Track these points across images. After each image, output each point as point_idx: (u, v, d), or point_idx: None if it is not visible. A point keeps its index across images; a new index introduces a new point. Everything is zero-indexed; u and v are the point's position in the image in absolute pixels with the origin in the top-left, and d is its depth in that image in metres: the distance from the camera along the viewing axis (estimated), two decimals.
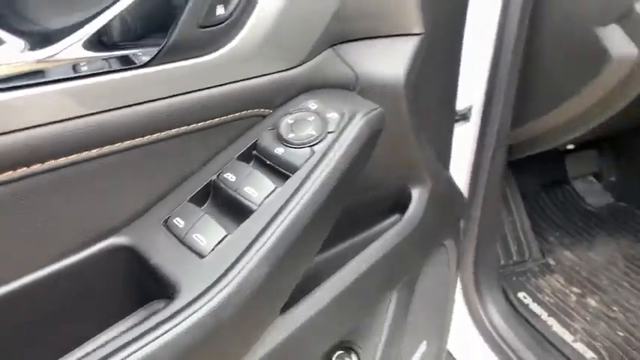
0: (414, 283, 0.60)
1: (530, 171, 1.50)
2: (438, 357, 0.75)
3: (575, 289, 1.19)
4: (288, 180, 0.33)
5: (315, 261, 0.48)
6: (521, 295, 1.14)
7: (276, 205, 0.31)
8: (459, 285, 1.02)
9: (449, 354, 1.03)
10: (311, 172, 0.32)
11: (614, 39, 0.64)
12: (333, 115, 0.35)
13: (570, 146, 1.14)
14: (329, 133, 0.34)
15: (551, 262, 1.27)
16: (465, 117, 0.86)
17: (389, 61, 0.42)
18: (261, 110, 0.36)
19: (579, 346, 1.02)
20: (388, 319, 0.53)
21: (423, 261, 0.60)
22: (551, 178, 1.54)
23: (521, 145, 0.91)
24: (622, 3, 0.62)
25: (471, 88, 0.84)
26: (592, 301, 1.15)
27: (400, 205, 0.54)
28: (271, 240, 0.30)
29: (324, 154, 0.33)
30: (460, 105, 0.85)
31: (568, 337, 1.04)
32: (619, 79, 0.66)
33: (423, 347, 0.67)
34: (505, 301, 1.06)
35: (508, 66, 0.78)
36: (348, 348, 0.52)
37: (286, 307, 0.37)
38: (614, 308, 1.12)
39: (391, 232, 0.49)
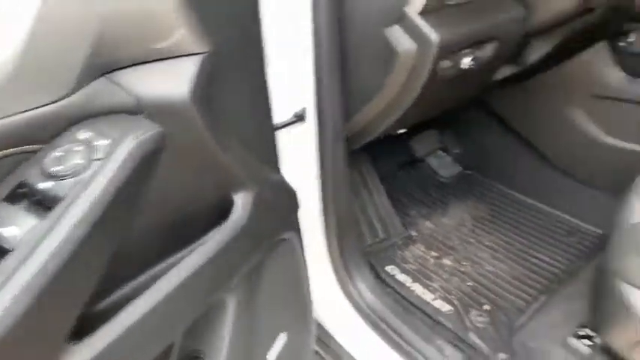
0: (258, 280, 0.65)
1: (387, 154, 1.66)
2: (305, 343, 0.81)
3: (433, 253, 1.34)
4: (50, 212, 0.34)
5: (139, 279, 0.50)
6: (388, 268, 1.27)
7: (35, 240, 0.32)
8: (330, 267, 1.10)
9: (325, 332, 1.11)
10: (75, 201, 0.34)
11: (398, 37, 0.76)
12: (102, 142, 0.37)
13: (401, 130, 1.28)
14: (96, 160, 0.36)
15: (413, 233, 1.43)
16: (301, 118, 0.94)
17: (172, 81, 0.45)
18: (29, 147, 0.37)
19: (438, 303, 1.16)
20: (229, 321, 0.56)
21: (263, 258, 0.65)
22: (406, 158, 1.71)
23: (355, 135, 1.01)
24: (396, 6, 0.73)
25: (303, 90, 0.91)
26: (447, 261, 1.31)
27: (225, 212, 0.58)
28: (28, 274, 0.31)
29: (89, 182, 0.35)
30: (296, 107, 0.92)
31: (428, 296, 1.18)
32: (407, 72, 0.78)
33: (282, 339, 0.72)
34: (374, 276, 1.16)
35: (328, 67, 0.86)
36: (194, 357, 0.55)
37: (83, 334, 0.38)
38: (464, 263, 1.30)
39: (213, 238, 0.53)
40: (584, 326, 0.97)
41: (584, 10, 0.90)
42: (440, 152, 1.79)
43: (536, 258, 1.30)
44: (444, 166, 1.75)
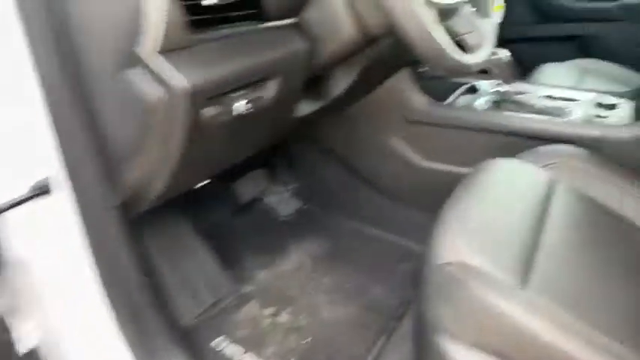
0: None
1: (217, 201, 1.49)
2: None
3: (269, 310, 1.20)
4: None
5: None
6: (215, 342, 1.08)
7: None
8: None
9: None
10: None
11: (140, 83, 0.60)
12: None
13: (206, 181, 1.13)
14: None
15: (248, 288, 1.27)
16: (44, 190, 0.72)
17: None
18: None
19: None
20: None
21: None
22: (240, 201, 1.56)
23: (135, 199, 0.82)
24: (127, 46, 0.57)
25: (41, 155, 0.70)
26: (284, 317, 1.18)
27: None
28: None
29: None
30: (35, 177, 0.70)
31: None
32: (163, 124, 0.62)
33: None
34: None
35: (69, 122, 0.66)
36: None
37: None
38: (301, 316, 1.18)
39: None
40: None
41: (371, 40, 0.85)
42: (276, 188, 1.68)
43: (372, 294, 1.24)
44: (283, 202, 1.65)
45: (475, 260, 0.71)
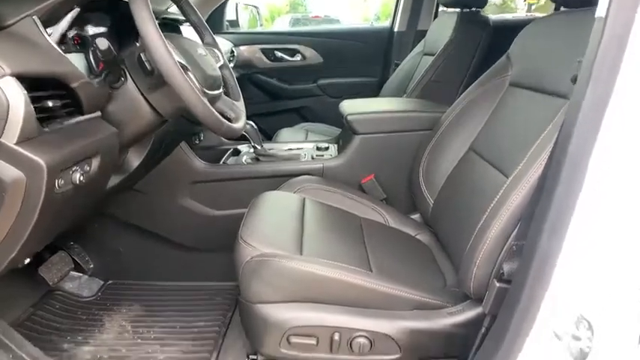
0: None
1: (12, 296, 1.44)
2: None
3: None
4: None
5: None
6: None
7: None
8: None
9: None
10: None
11: (1, 169, 0.76)
12: None
13: (27, 260, 1.19)
14: None
15: None
16: None
17: None
18: None
19: None
20: None
21: None
22: (37, 293, 1.54)
23: None
24: None
25: None
26: None
27: None
28: None
29: None
30: None
31: None
32: (21, 200, 0.79)
33: None
34: None
35: None
36: None
37: None
38: None
39: None
40: (251, 354, 1.20)
41: (163, 121, 1.16)
42: (73, 274, 1.70)
43: (197, 327, 1.47)
44: (82, 286, 1.68)
45: (268, 249, 1.08)
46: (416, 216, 1.54)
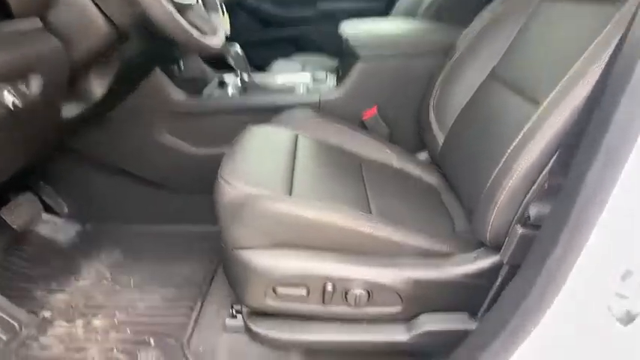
0: None
1: None
2: None
3: (79, 322, 1.17)
4: None
5: None
6: None
7: None
8: None
9: None
10: None
11: None
12: None
13: None
14: None
15: (46, 314, 1.20)
16: None
17: None
18: None
19: None
20: None
21: None
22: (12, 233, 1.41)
23: None
24: None
25: None
26: (97, 322, 1.17)
27: None
28: None
29: None
30: None
31: None
32: None
33: None
34: None
35: None
36: None
37: None
38: (117, 313, 1.20)
39: None
40: (235, 304, 1.08)
41: (122, 34, 0.96)
42: (47, 217, 1.57)
43: (181, 275, 1.35)
44: (57, 231, 1.55)
45: (253, 190, 0.93)
46: (423, 155, 1.37)
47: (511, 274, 0.82)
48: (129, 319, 1.18)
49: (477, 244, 0.93)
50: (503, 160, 0.86)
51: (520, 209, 0.80)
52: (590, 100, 0.71)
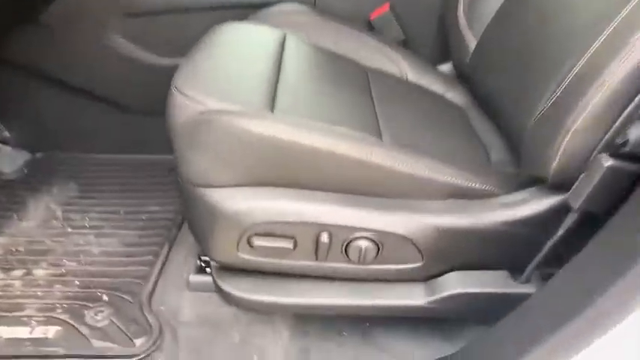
0: None
1: None
2: None
3: (17, 273, 0.95)
4: None
5: None
6: None
7: None
8: None
9: None
10: None
11: None
12: None
13: None
14: None
15: None
16: None
17: None
18: None
19: (39, 331, 0.82)
20: None
21: None
22: None
23: None
24: None
25: None
26: (40, 271, 0.95)
27: None
28: None
29: None
30: None
31: (23, 333, 0.81)
32: None
33: None
34: None
35: None
36: None
37: None
38: (66, 261, 0.97)
39: None
40: (203, 255, 0.86)
41: None
42: None
43: (147, 212, 1.12)
44: (1, 160, 1.29)
45: (219, 104, 0.66)
46: (446, 67, 1.08)
47: (579, 225, 0.59)
48: (79, 269, 0.96)
49: (525, 181, 0.69)
50: (581, 64, 0.59)
51: (610, 133, 0.55)
52: None
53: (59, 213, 1.13)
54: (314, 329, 0.82)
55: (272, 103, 0.70)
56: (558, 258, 0.64)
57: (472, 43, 0.95)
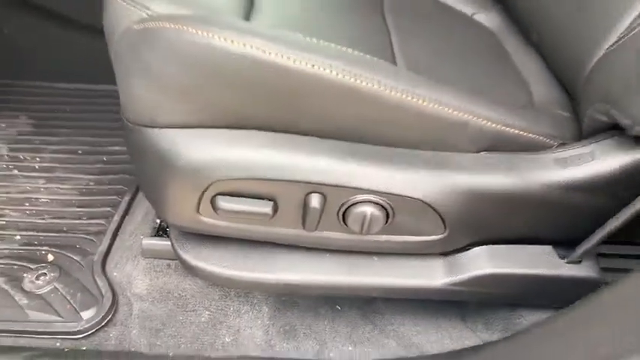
0: None
1: None
2: None
3: None
4: None
5: None
6: None
7: None
8: None
9: None
10: None
11: None
12: None
13: None
14: None
15: None
16: None
17: None
18: None
19: None
20: None
21: None
22: None
23: None
24: None
25: None
26: None
27: None
28: None
29: None
30: None
31: None
32: None
33: None
34: None
35: None
36: None
37: None
38: (9, 212, 0.81)
39: None
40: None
41: None
42: None
43: (108, 153, 0.94)
44: None
45: (170, 8, 0.46)
46: None
47: None
48: (22, 220, 0.80)
49: (590, 128, 0.51)
50: None
51: None
52: None
53: (5, 152, 0.95)
54: (302, 302, 0.68)
55: (249, 9, 0.50)
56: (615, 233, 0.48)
57: None
